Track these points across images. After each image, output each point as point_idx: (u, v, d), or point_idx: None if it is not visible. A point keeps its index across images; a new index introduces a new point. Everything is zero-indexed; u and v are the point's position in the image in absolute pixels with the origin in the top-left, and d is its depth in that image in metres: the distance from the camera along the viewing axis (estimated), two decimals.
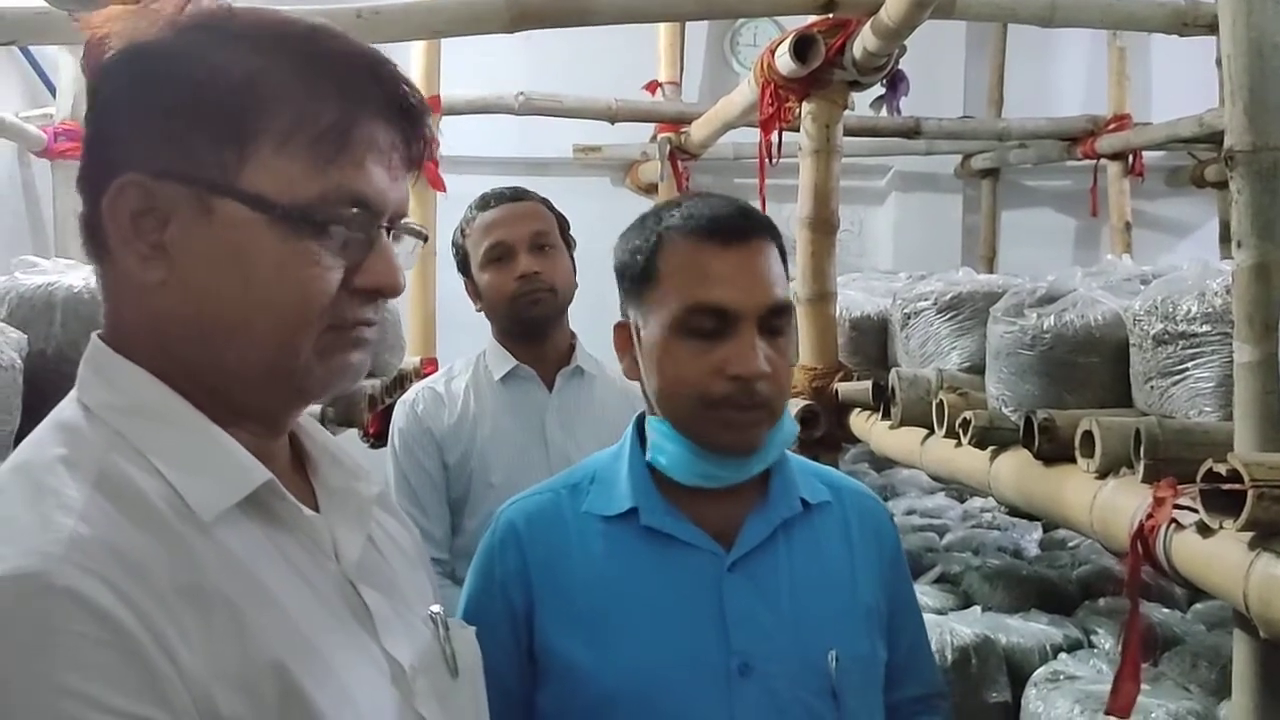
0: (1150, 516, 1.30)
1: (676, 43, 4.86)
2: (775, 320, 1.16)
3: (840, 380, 2.56)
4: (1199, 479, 1.18)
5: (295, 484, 0.82)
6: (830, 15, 2.46)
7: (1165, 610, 2.44)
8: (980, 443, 1.84)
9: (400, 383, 3.01)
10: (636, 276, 1.19)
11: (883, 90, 2.77)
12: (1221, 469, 1.14)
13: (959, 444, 1.90)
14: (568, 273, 2.07)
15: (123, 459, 0.72)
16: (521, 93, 4.31)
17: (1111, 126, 4.69)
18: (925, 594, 2.54)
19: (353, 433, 2.81)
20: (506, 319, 2.06)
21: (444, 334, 4.00)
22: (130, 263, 0.74)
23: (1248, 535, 1.13)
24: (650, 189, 4.86)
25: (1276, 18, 1.20)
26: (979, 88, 5.15)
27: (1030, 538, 3.25)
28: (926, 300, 2.29)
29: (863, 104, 2.90)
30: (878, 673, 1.23)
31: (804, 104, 2.63)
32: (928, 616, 1.73)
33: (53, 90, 3.75)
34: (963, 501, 3.69)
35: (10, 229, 3.65)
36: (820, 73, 2.53)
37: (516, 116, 4.39)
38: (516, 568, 1.21)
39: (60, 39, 2.54)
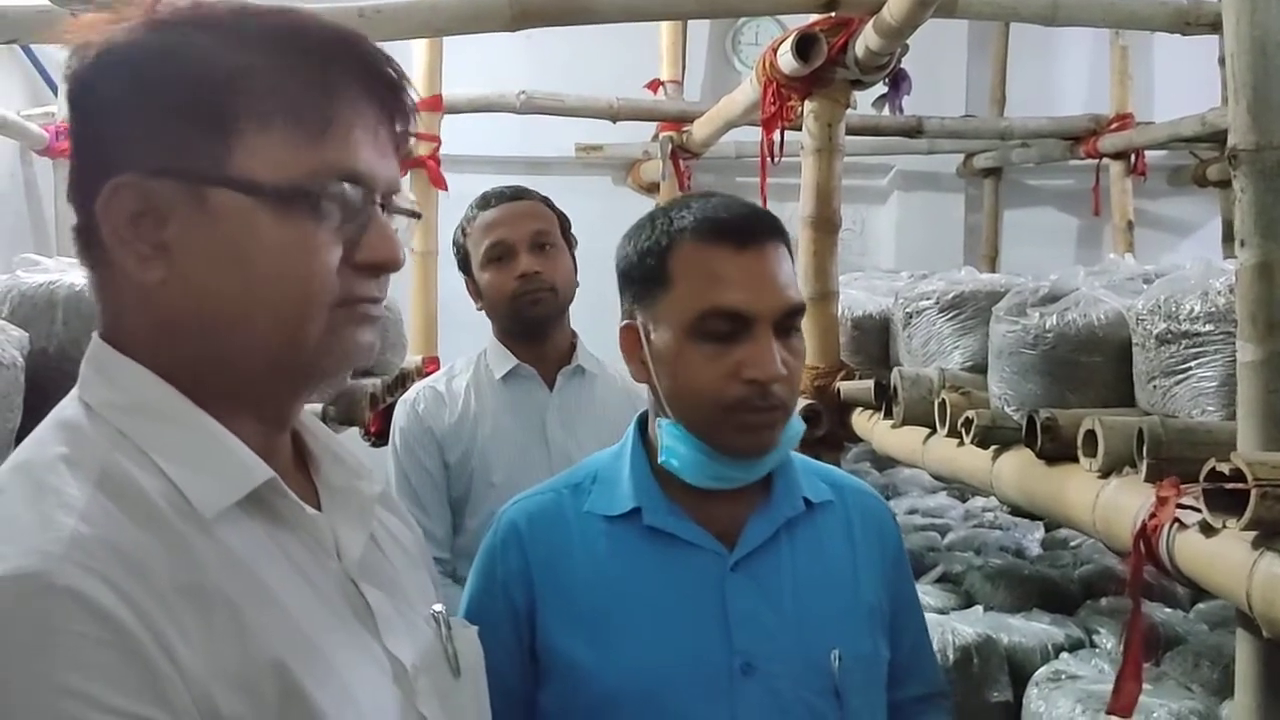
0: (1153, 516, 1.29)
1: (678, 41, 4.86)
2: (789, 321, 1.16)
3: (842, 379, 2.56)
4: (1202, 478, 1.18)
5: (297, 482, 0.82)
6: (832, 14, 2.46)
7: (1168, 610, 2.43)
8: (982, 442, 1.83)
9: (402, 381, 3.01)
10: (647, 279, 1.18)
11: (885, 89, 2.76)
12: (1224, 468, 1.14)
13: (961, 443, 1.90)
14: (568, 272, 2.07)
15: (124, 458, 0.71)
16: (523, 91, 4.30)
17: (1114, 126, 4.68)
18: (927, 593, 2.54)
19: (354, 431, 2.81)
20: (507, 318, 2.06)
21: (446, 333, 4.01)
22: (129, 264, 0.74)
23: (1251, 535, 1.13)
24: (652, 188, 4.86)
25: None
26: (981, 87, 5.14)
27: (1032, 537, 3.25)
28: (929, 299, 2.28)
29: (865, 103, 2.89)
30: (880, 672, 1.23)
31: (806, 103, 2.62)
32: (929, 616, 1.72)
33: (55, 88, 3.76)
34: (964, 501, 3.69)
35: (12, 228, 3.65)
36: (822, 71, 2.53)
37: (518, 115, 4.39)
38: (518, 567, 1.20)
39: (62, 37, 2.54)
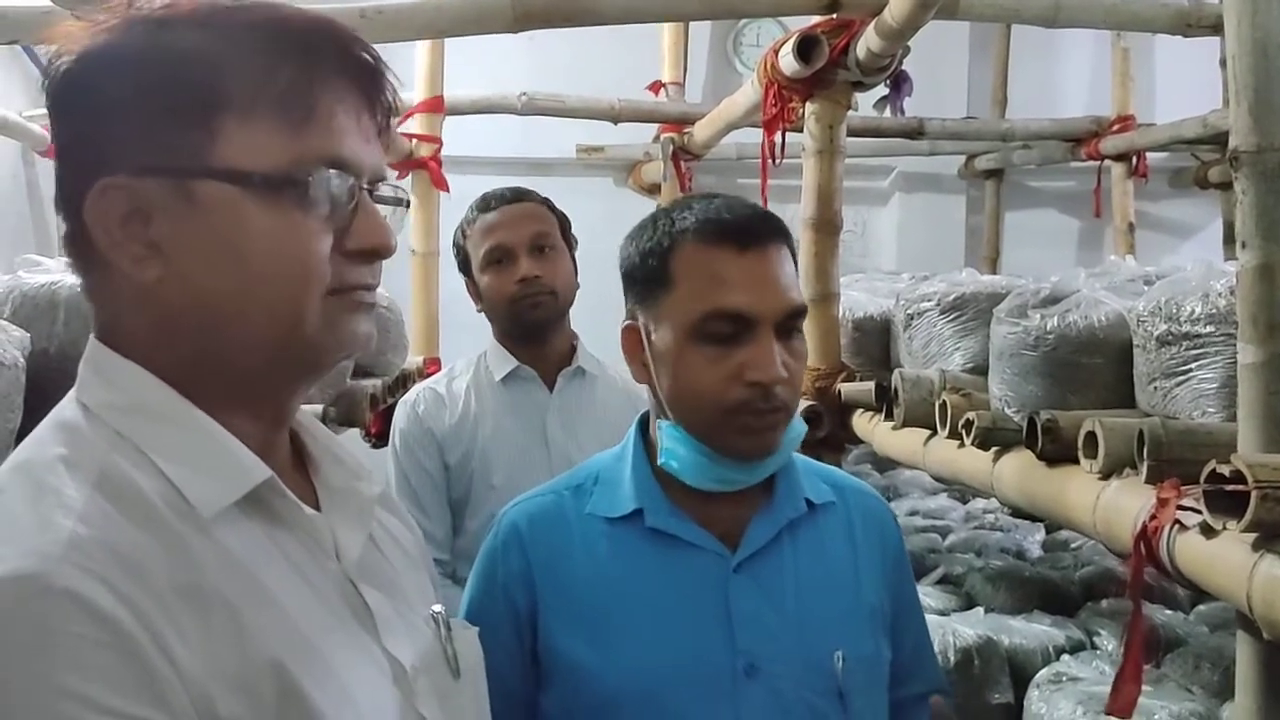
0: (1153, 517, 1.29)
1: (680, 43, 4.86)
2: (791, 323, 1.16)
3: (843, 381, 2.56)
4: (1202, 480, 1.18)
5: (296, 483, 0.82)
6: (834, 15, 2.46)
7: (1168, 612, 2.44)
8: (983, 443, 1.83)
9: (403, 382, 3.01)
10: (648, 280, 1.17)
11: (886, 91, 2.77)
12: (1225, 470, 1.14)
13: (962, 445, 1.90)
14: (569, 274, 2.06)
15: (123, 458, 0.71)
16: (524, 93, 4.30)
17: (1115, 127, 4.68)
18: (928, 595, 2.54)
19: (354, 432, 2.81)
20: (507, 321, 2.05)
21: (447, 334, 4.01)
22: (124, 266, 0.74)
23: (1251, 536, 1.13)
24: (653, 189, 4.86)
25: None
26: (983, 88, 5.14)
27: (1033, 539, 3.25)
28: (929, 301, 2.29)
29: (866, 104, 2.90)
30: (883, 672, 1.23)
31: (807, 104, 2.63)
32: (930, 618, 1.73)
33: None
34: (965, 502, 3.69)
35: (14, 228, 3.66)
36: (824, 73, 2.53)
37: (519, 116, 4.39)
38: (519, 569, 1.20)
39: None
